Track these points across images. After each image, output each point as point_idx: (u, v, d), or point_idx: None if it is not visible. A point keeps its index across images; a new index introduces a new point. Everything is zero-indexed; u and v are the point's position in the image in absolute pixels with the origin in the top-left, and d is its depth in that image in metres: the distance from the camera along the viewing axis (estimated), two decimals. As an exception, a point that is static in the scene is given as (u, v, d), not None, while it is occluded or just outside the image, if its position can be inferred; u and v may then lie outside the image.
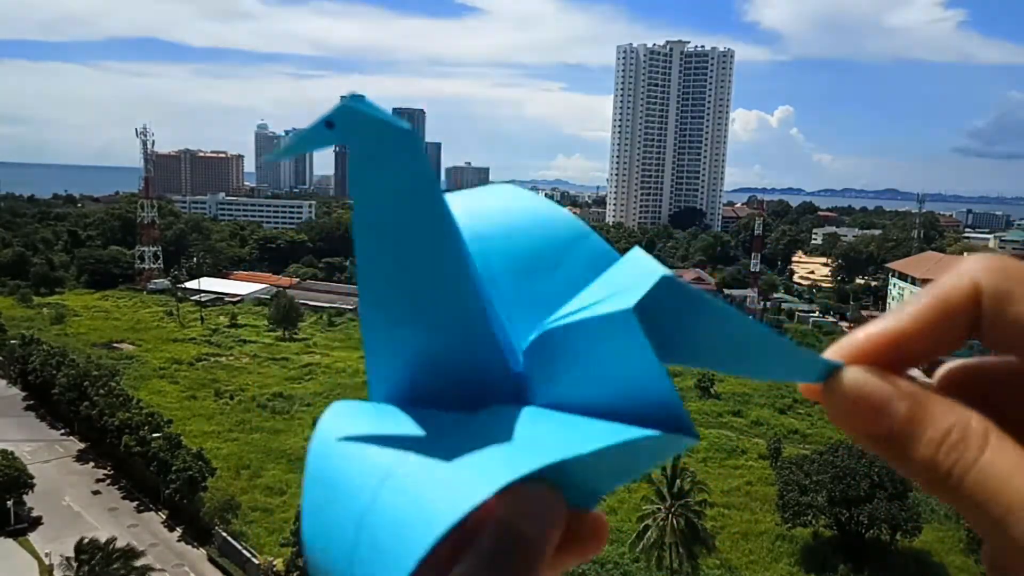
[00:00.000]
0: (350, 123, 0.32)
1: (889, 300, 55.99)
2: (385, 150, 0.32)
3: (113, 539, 20.78)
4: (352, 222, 0.34)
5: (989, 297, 0.33)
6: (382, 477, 0.31)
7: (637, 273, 0.33)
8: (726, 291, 58.16)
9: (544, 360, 0.36)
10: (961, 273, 0.34)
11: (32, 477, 24.50)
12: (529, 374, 0.37)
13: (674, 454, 0.35)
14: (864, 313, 58.24)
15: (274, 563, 21.01)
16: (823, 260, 76.64)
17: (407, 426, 0.34)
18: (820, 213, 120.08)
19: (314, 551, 0.31)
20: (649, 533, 19.80)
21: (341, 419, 0.34)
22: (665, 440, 0.33)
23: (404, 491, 0.30)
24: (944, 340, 0.34)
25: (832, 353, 0.34)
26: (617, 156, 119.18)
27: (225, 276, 62.75)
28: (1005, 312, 0.32)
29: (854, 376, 0.33)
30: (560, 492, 0.35)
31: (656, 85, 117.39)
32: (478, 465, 0.31)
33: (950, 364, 0.36)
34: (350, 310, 53.51)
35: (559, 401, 0.35)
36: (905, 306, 0.35)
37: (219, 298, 55.64)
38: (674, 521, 19.58)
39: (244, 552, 21.69)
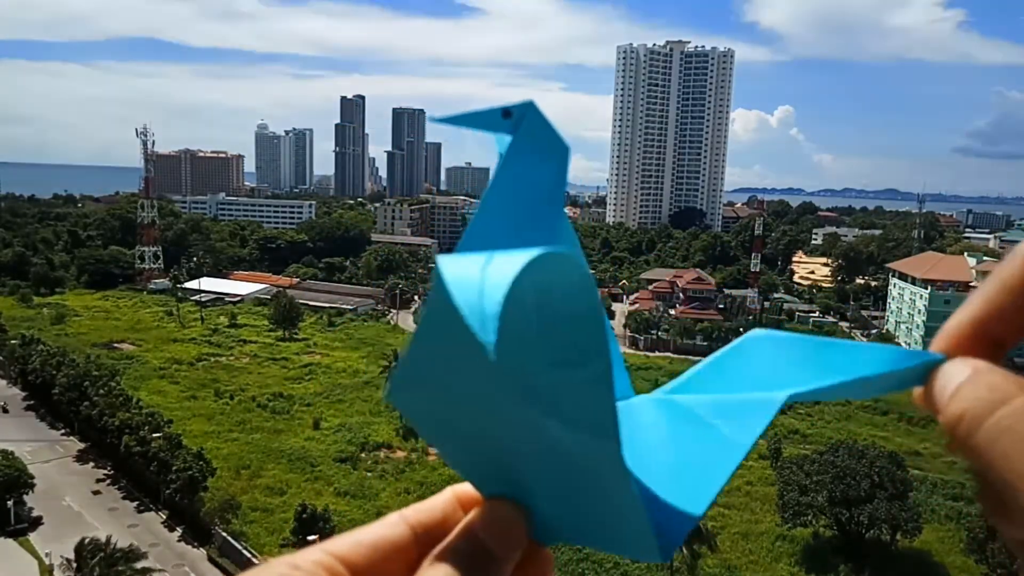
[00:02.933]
0: (529, 119, 0.37)
1: (889, 300, 55.91)
2: (547, 152, 0.38)
3: (114, 540, 20.73)
4: (485, 194, 0.38)
5: None
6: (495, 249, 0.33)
7: (757, 384, 0.37)
8: (726, 291, 58.12)
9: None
10: (1017, 252, 0.34)
11: (32, 477, 24.50)
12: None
13: (634, 555, 0.36)
14: (864, 313, 58.08)
15: (274, 563, 20.95)
16: (823, 260, 76.56)
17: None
18: (820, 213, 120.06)
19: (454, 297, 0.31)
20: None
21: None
22: (644, 536, 0.34)
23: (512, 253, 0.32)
24: (1019, 318, 0.34)
25: (933, 347, 0.35)
26: (617, 156, 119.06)
27: (225, 276, 62.75)
28: None
29: (944, 366, 0.34)
30: (525, 517, 0.37)
31: (656, 85, 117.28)
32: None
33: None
34: (350, 310, 53.52)
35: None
36: (977, 292, 0.35)
37: (219, 298, 55.67)
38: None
39: (244, 552, 21.67)
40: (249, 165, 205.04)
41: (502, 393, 0.34)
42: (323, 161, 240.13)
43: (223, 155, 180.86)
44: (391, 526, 0.37)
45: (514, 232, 0.38)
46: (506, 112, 0.37)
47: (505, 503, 0.37)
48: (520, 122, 0.37)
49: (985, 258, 53.65)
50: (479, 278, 0.31)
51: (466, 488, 0.39)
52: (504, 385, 0.33)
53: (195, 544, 23.14)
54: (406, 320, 52.35)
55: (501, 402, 0.34)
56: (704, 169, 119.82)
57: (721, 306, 53.82)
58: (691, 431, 0.36)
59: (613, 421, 0.33)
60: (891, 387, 0.35)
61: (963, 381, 0.32)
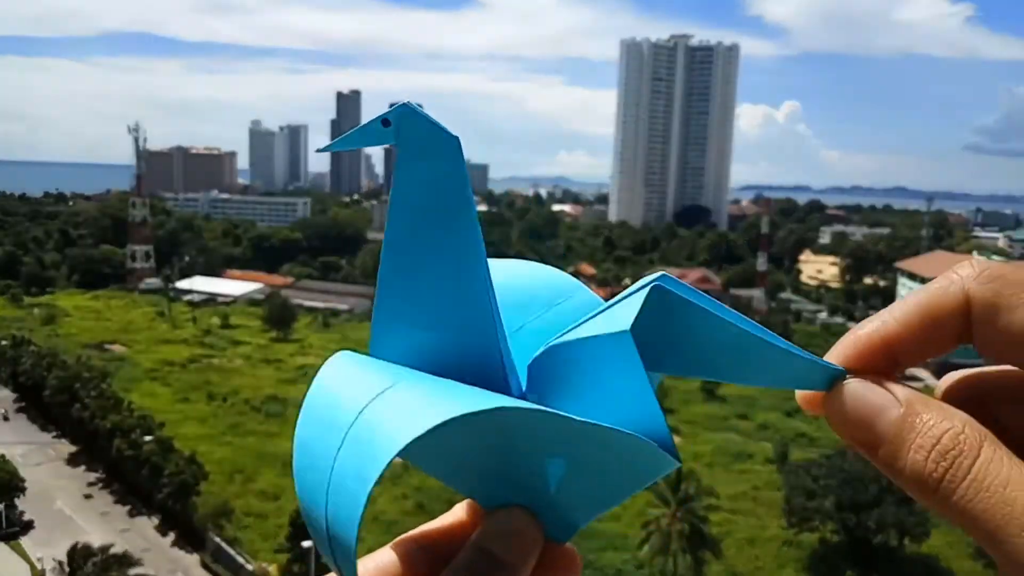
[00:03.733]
0: (406, 122, 0.35)
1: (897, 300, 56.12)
2: (432, 151, 0.35)
3: (109, 545, 20.39)
4: (388, 212, 0.37)
5: (979, 306, 0.32)
6: (375, 394, 0.31)
7: (636, 289, 0.34)
8: (732, 291, 57.82)
9: (544, 375, 0.37)
10: (951, 280, 0.34)
11: (23, 480, 24.07)
12: (529, 390, 0.38)
13: (655, 477, 0.35)
14: (871, 313, 58.09)
15: (268, 569, 20.61)
16: (831, 259, 76.10)
17: (407, 370, 0.34)
18: (828, 211, 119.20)
19: (301, 469, 0.31)
20: (653, 539, 19.48)
21: (344, 358, 0.35)
22: (649, 453, 0.33)
23: (388, 407, 0.30)
24: (933, 345, 0.34)
25: (831, 357, 0.34)
26: (621, 152, 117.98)
27: (218, 275, 62.18)
28: (996, 321, 0.32)
29: (854, 387, 0.32)
30: (538, 520, 0.36)
31: (660, 80, 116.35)
32: (471, 394, 0.32)
33: (952, 374, 0.35)
34: (346, 311, 53.03)
35: None
36: (895, 307, 0.35)
37: (212, 298, 55.12)
38: (679, 526, 19.25)
39: (238, 558, 21.30)
40: (242, 162, 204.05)
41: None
42: (318, 157, 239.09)
43: (216, 152, 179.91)
44: (401, 547, 0.36)
45: (427, 266, 0.36)
46: (384, 121, 0.36)
47: (512, 509, 0.36)
48: (399, 128, 0.36)
49: (995, 257, 53.23)
50: (326, 476, 0.29)
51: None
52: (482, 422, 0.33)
53: (188, 549, 22.74)
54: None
55: (477, 434, 0.34)
56: (709, 166, 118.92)
57: (727, 306, 53.85)
58: (586, 358, 0.34)
59: (552, 416, 0.33)
60: (779, 374, 0.34)
61: (903, 421, 0.31)
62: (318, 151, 0.38)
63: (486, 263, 0.37)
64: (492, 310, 0.37)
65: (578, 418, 0.32)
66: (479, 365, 0.36)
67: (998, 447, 0.30)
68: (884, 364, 0.34)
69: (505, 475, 0.36)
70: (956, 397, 0.34)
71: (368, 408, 0.30)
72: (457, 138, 0.36)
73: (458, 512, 0.39)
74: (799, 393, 0.35)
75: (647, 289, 0.33)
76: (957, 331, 0.33)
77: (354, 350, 0.35)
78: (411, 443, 0.28)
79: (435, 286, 0.36)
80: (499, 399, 0.32)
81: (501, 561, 0.34)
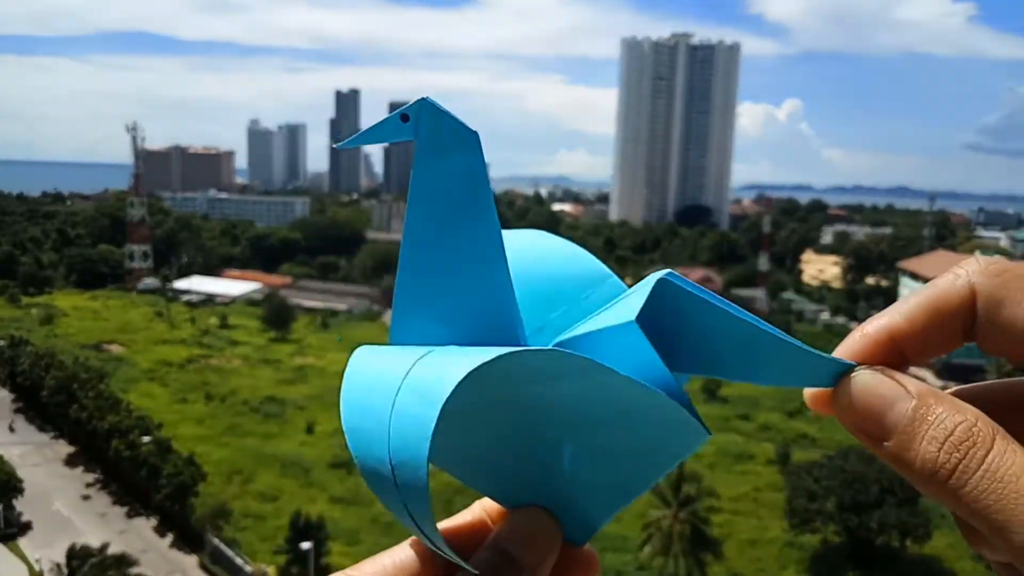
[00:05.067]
0: (426, 118, 0.35)
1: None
2: (452, 147, 0.35)
3: (107, 546, 20.29)
4: (407, 207, 0.37)
5: (984, 300, 0.32)
6: (417, 357, 0.32)
7: (642, 284, 0.34)
8: (734, 291, 57.65)
9: None
10: (958, 275, 0.34)
11: (22, 481, 23.95)
12: None
13: (684, 454, 0.35)
14: (873, 313, 57.89)
15: (267, 570, 20.51)
16: (833, 259, 75.89)
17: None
18: (830, 211, 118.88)
19: (354, 435, 0.31)
20: (654, 540, 19.40)
21: (369, 347, 0.35)
22: (679, 422, 0.33)
23: (434, 362, 0.31)
24: (939, 341, 0.34)
25: (840, 353, 0.34)
26: (621, 152, 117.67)
27: (216, 275, 62.01)
28: (999, 315, 0.32)
29: (865, 378, 0.32)
30: (557, 521, 0.36)
31: (661, 79, 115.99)
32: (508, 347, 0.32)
33: (959, 387, 0.35)
34: (345, 311, 52.91)
35: None
36: (901, 304, 0.35)
37: (210, 298, 54.98)
38: (680, 528, 19.16)
39: (236, 559, 21.20)
40: (241, 161, 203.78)
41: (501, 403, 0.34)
42: (317, 157, 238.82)
43: (214, 151, 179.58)
44: (419, 544, 0.36)
45: (447, 261, 0.36)
46: (404, 116, 0.35)
47: (531, 509, 0.36)
48: (418, 123, 0.35)
49: (996, 256, 53.33)
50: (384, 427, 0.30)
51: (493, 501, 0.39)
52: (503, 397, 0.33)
53: (187, 550, 22.64)
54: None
55: (496, 415, 0.34)
56: (711, 165, 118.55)
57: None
58: (595, 351, 0.34)
59: (586, 361, 0.32)
60: (786, 372, 0.34)
61: (915, 413, 0.31)
62: (336, 147, 0.37)
63: (505, 260, 0.37)
64: (511, 307, 0.37)
65: (616, 370, 0.32)
66: None
67: (1010, 441, 0.30)
68: (892, 360, 0.33)
69: (525, 472, 0.36)
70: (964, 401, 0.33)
71: (416, 366, 0.31)
72: (477, 133, 0.36)
73: (476, 510, 0.39)
74: (807, 392, 0.35)
75: (653, 281, 0.33)
76: (963, 326, 0.33)
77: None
78: (459, 394, 0.28)
79: (454, 282, 0.36)
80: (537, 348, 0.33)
81: (518, 562, 0.34)
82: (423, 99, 0.35)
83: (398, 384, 0.30)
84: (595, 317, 0.37)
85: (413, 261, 0.37)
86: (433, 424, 0.28)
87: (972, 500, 0.28)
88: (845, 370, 0.32)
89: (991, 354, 0.33)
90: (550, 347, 0.33)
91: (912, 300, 0.34)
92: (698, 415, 0.33)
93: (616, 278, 0.43)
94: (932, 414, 0.30)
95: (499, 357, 0.30)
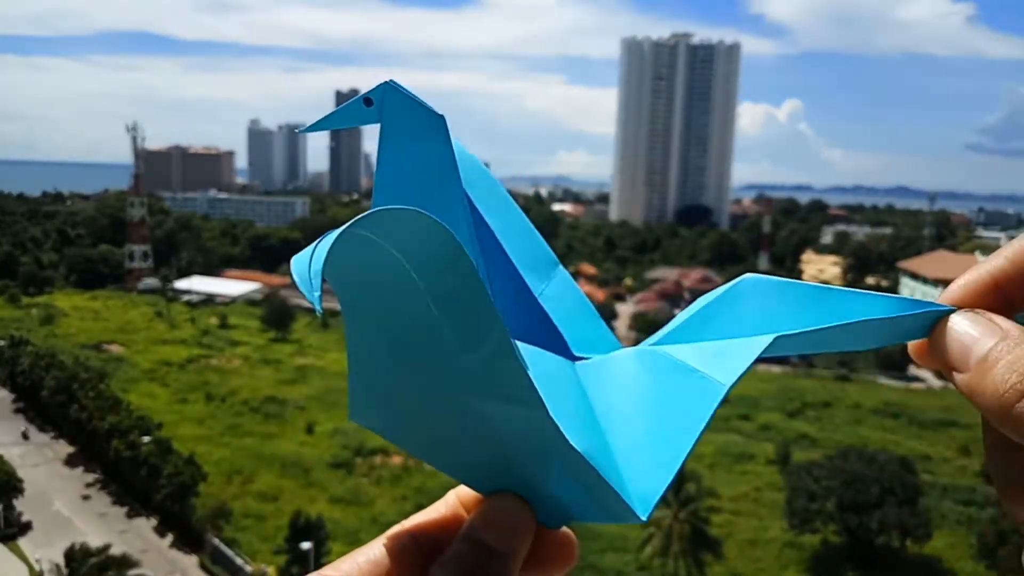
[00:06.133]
0: (389, 101, 0.35)
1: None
2: (417, 130, 0.35)
3: (107, 546, 20.27)
4: (373, 192, 0.37)
5: None
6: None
7: (748, 330, 0.33)
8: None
9: (612, 365, 0.37)
10: None
11: (22, 481, 23.93)
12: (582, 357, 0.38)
13: (616, 520, 0.34)
14: None
15: (267, 570, 20.51)
16: (833, 259, 75.90)
17: None
18: (830, 211, 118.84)
19: (297, 272, 0.32)
20: (654, 540, 19.40)
21: None
22: (614, 499, 0.33)
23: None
24: None
25: (943, 299, 0.33)
26: (621, 151, 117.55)
27: (216, 275, 62.02)
28: None
29: (959, 319, 0.32)
30: (528, 506, 0.35)
31: (661, 79, 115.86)
32: None
33: None
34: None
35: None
36: (1006, 246, 0.34)
37: (210, 298, 54.97)
38: (680, 528, 19.16)
39: (236, 559, 21.20)
40: (241, 161, 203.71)
41: (442, 386, 0.33)
42: (317, 157, 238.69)
43: (214, 151, 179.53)
44: (392, 539, 0.35)
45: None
46: (367, 100, 0.35)
47: (502, 496, 0.36)
48: (382, 106, 0.35)
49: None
50: (311, 248, 0.31)
51: (468, 489, 0.38)
52: (440, 377, 0.32)
53: (187, 551, 22.63)
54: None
55: (446, 395, 0.33)
56: (711, 165, 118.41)
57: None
58: (672, 380, 0.33)
59: (531, 389, 0.31)
60: (891, 337, 0.33)
61: (1000, 346, 0.30)
62: (299, 132, 0.37)
63: (475, 246, 0.37)
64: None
65: (557, 425, 0.31)
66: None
67: None
68: (996, 305, 0.33)
69: (496, 459, 0.36)
70: None
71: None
72: (443, 117, 0.36)
73: (450, 500, 0.39)
74: (911, 346, 0.34)
75: (766, 342, 0.31)
76: None
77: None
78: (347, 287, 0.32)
79: None
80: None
81: (493, 549, 0.34)
82: (387, 82, 0.35)
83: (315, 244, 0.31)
84: (692, 346, 0.35)
85: None
86: (335, 235, 0.29)
87: None
88: (944, 316, 0.32)
89: None
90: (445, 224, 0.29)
91: (1017, 242, 0.33)
92: (653, 499, 0.32)
93: (562, 269, 0.43)
94: (1016, 345, 0.30)
95: (379, 211, 0.29)
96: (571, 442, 0.31)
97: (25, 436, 30.88)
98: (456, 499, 0.38)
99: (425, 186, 0.36)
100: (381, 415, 0.36)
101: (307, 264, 0.30)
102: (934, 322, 0.32)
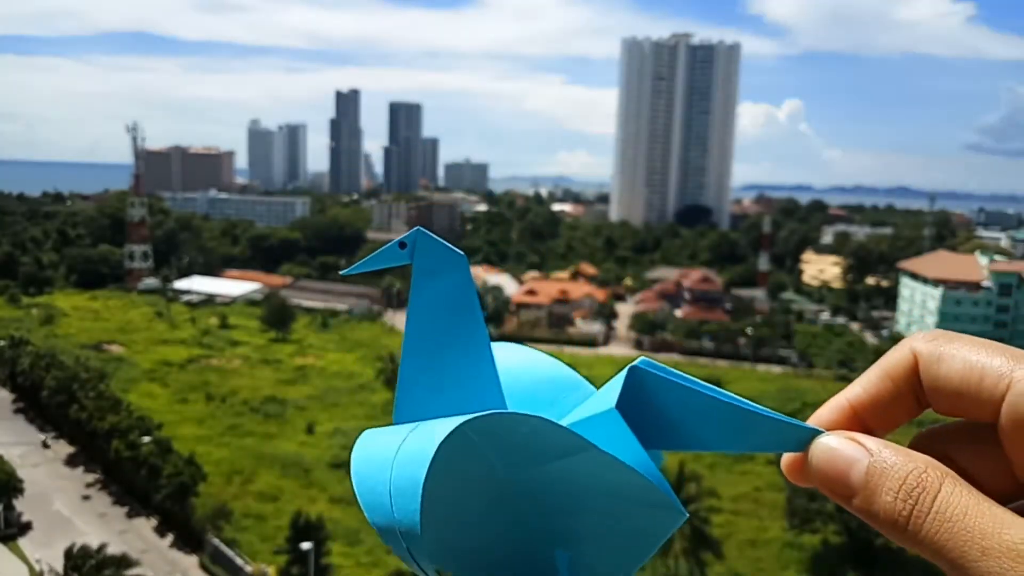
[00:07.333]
0: (420, 245, 0.43)
1: (900, 301, 55.19)
2: (443, 268, 0.43)
3: (104, 546, 20.24)
4: (406, 321, 0.45)
5: (923, 362, 0.35)
6: (409, 430, 0.38)
7: (619, 375, 0.39)
8: (734, 291, 57.48)
9: None
10: (903, 344, 0.37)
11: (22, 481, 23.96)
12: None
13: (664, 536, 0.39)
14: (874, 314, 57.36)
15: (267, 570, 20.47)
16: (833, 259, 75.65)
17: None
18: (830, 211, 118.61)
19: (367, 504, 0.36)
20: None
21: (370, 431, 0.41)
22: (657, 500, 0.36)
23: (422, 430, 0.37)
24: (896, 407, 0.37)
25: (811, 422, 0.38)
26: (621, 152, 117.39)
27: (217, 275, 61.93)
28: (937, 374, 0.35)
29: (827, 440, 0.36)
30: None
31: (662, 79, 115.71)
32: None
33: (919, 432, 0.38)
34: (344, 311, 52.86)
35: None
36: (862, 375, 0.38)
37: (210, 298, 54.88)
38: (681, 528, 19.12)
39: (237, 559, 21.16)
40: (241, 161, 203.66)
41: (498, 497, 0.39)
42: (317, 157, 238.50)
43: (214, 151, 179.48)
44: None
45: (442, 366, 0.43)
46: (401, 244, 0.42)
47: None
48: (414, 248, 0.42)
49: (996, 257, 53.09)
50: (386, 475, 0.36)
51: None
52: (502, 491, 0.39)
53: (187, 551, 22.59)
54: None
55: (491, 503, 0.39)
56: (711, 165, 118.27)
57: (728, 306, 53.03)
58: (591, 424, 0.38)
59: (572, 435, 0.36)
60: (759, 440, 0.37)
61: (872, 467, 0.34)
62: (342, 273, 0.47)
63: (493, 363, 0.44)
64: (499, 403, 0.43)
65: (596, 446, 0.36)
66: None
67: (958, 482, 0.33)
68: (857, 429, 0.37)
69: (517, 564, 0.40)
70: (922, 448, 0.37)
71: (409, 436, 0.37)
72: (464, 256, 0.43)
73: None
74: (784, 463, 0.38)
75: (626, 370, 0.37)
76: (913, 391, 0.36)
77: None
78: (441, 464, 0.34)
79: (449, 383, 0.43)
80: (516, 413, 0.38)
81: None
82: (418, 228, 0.43)
83: (394, 454, 0.36)
84: (576, 410, 0.41)
85: (412, 370, 0.43)
86: (422, 481, 0.33)
87: (929, 542, 0.31)
88: (813, 436, 0.36)
89: (941, 413, 0.36)
90: (533, 414, 0.36)
91: (869, 370, 0.37)
92: (675, 496, 0.36)
93: (589, 385, 0.47)
94: (888, 466, 0.33)
95: (479, 417, 0.35)
96: (623, 460, 0.36)
97: (46, 445, 29.97)
98: None
99: (451, 316, 0.43)
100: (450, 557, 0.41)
101: (390, 513, 0.35)
102: (806, 441, 0.37)
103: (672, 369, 0.37)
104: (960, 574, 0.31)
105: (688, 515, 0.36)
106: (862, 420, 0.37)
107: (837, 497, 0.35)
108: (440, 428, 0.35)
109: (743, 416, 0.37)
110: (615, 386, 0.37)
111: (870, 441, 0.35)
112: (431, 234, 0.42)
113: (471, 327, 0.43)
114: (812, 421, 0.37)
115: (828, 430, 0.36)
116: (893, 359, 0.37)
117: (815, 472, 0.36)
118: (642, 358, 0.38)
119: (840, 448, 0.35)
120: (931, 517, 0.31)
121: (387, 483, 0.35)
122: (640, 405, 0.37)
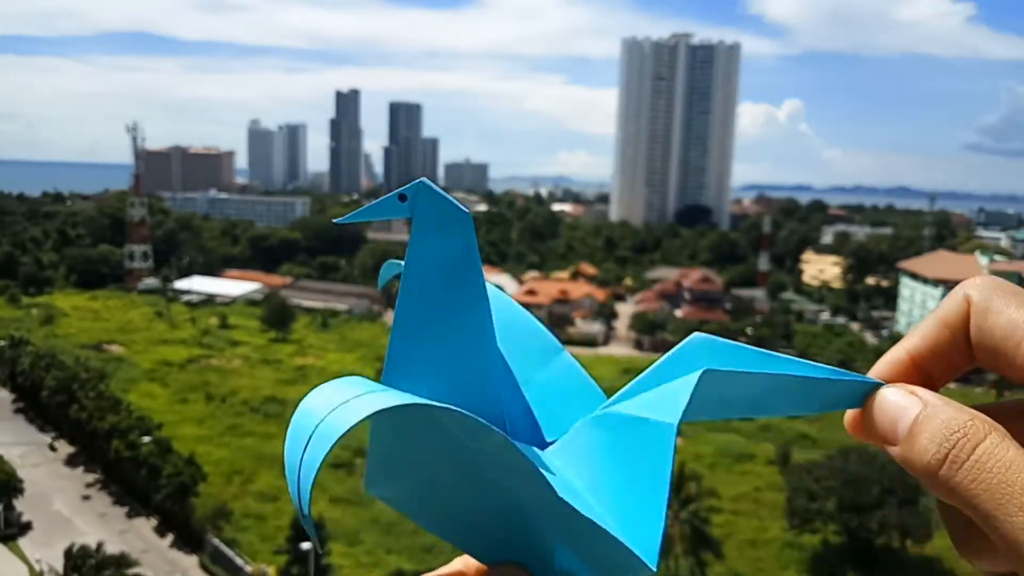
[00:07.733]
0: (422, 198, 0.39)
1: (900, 301, 55.25)
2: (446, 226, 0.39)
3: (104, 546, 20.25)
4: (401, 280, 0.41)
5: (974, 309, 0.34)
6: (357, 393, 0.35)
7: (677, 355, 0.37)
8: (734, 291, 57.48)
9: (576, 437, 0.39)
10: (958, 290, 0.36)
11: (22, 481, 23.96)
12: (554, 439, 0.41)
13: (626, 573, 0.35)
14: (874, 314, 57.38)
15: (267, 571, 20.50)
16: (833, 259, 75.67)
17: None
18: (830, 211, 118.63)
19: (287, 450, 0.34)
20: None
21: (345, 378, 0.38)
22: (622, 551, 0.33)
23: (365, 395, 0.34)
24: (953, 356, 0.36)
25: (871, 375, 0.37)
26: (622, 152, 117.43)
27: (217, 275, 61.97)
28: (982, 325, 0.34)
29: (885, 393, 0.35)
30: (530, 574, 0.37)
31: (662, 79, 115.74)
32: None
33: (988, 404, 0.36)
34: (344, 311, 52.86)
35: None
36: (918, 327, 0.37)
37: (210, 298, 54.93)
38: (681, 528, 19.15)
39: (237, 559, 21.17)
40: (241, 161, 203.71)
41: (456, 461, 0.36)
42: (317, 157, 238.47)
43: (214, 151, 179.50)
44: (464, 563, 0.36)
45: (437, 327, 0.40)
46: (401, 196, 0.38)
47: (507, 566, 0.37)
48: (415, 202, 0.38)
49: (996, 257, 53.06)
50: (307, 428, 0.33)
51: (473, 560, 0.40)
52: (454, 456, 0.36)
53: (187, 551, 22.62)
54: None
55: (459, 466, 0.36)
56: (711, 165, 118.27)
57: (728, 306, 53.09)
58: (628, 433, 0.35)
59: (533, 470, 0.33)
60: (824, 404, 0.36)
61: (921, 416, 0.33)
62: (335, 222, 0.40)
63: (493, 331, 0.41)
64: (496, 373, 0.40)
65: (556, 490, 0.33)
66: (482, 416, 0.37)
67: (1006, 437, 0.31)
68: (917, 379, 0.36)
69: (501, 531, 0.38)
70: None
71: (350, 400, 0.34)
72: (469, 214, 0.39)
73: (457, 566, 0.40)
74: (847, 420, 0.37)
75: (696, 377, 0.33)
76: (968, 337, 0.35)
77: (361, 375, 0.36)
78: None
79: (443, 347, 0.40)
80: (422, 399, 0.34)
81: None
82: (421, 180, 0.39)
83: (328, 410, 0.33)
84: (636, 399, 0.37)
85: (406, 326, 0.40)
86: (316, 468, 0.32)
87: (962, 490, 0.30)
88: (875, 389, 0.35)
89: (982, 365, 0.35)
90: (466, 413, 0.33)
91: (926, 319, 0.36)
92: (656, 547, 0.33)
93: (566, 353, 0.46)
94: (935, 414, 0.32)
95: (414, 405, 0.33)
96: (581, 511, 0.33)
97: (52, 448, 29.74)
98: (464, 565, 0.39)
99: (450, 277, 0.39)
100: (394, 488, 0.40)
101: (299, 460, 0.32)
102: (865, 395, 0.35)
103: (730, 344, 0.36)
104: (992, 526, 0.30)
105: (655, 570, 0.33)
106: (922, 370, 0.36)
107: (883, 443, 0.35)
108: (366, 404, 0.33)
109: (807, 384, 0.35)
110: (682, 392, 0.34)
111: (927, 394, 0.34)
112: (435, 187, 0.39)
113: (472, 293, 0.40)
114: (872, 374, 0.37)
115: (888, 383, 0.36)
116: (948, 306, 0.36)
117: (870, 423, 0.35)
118: (698, 336, 0.37)
119: (896, 399, 0.34)
120: (969, 464, 0.30)
121: (311, 429, 0.33)
122: (704, 396, 0.34)
